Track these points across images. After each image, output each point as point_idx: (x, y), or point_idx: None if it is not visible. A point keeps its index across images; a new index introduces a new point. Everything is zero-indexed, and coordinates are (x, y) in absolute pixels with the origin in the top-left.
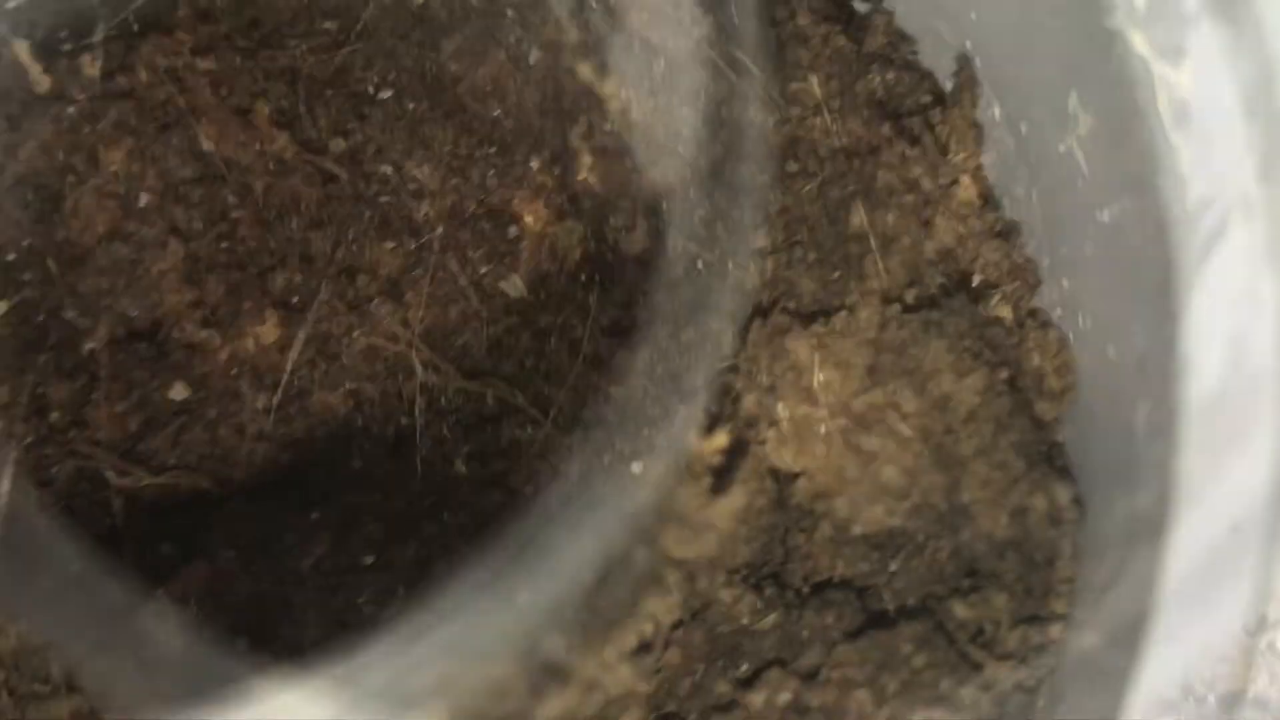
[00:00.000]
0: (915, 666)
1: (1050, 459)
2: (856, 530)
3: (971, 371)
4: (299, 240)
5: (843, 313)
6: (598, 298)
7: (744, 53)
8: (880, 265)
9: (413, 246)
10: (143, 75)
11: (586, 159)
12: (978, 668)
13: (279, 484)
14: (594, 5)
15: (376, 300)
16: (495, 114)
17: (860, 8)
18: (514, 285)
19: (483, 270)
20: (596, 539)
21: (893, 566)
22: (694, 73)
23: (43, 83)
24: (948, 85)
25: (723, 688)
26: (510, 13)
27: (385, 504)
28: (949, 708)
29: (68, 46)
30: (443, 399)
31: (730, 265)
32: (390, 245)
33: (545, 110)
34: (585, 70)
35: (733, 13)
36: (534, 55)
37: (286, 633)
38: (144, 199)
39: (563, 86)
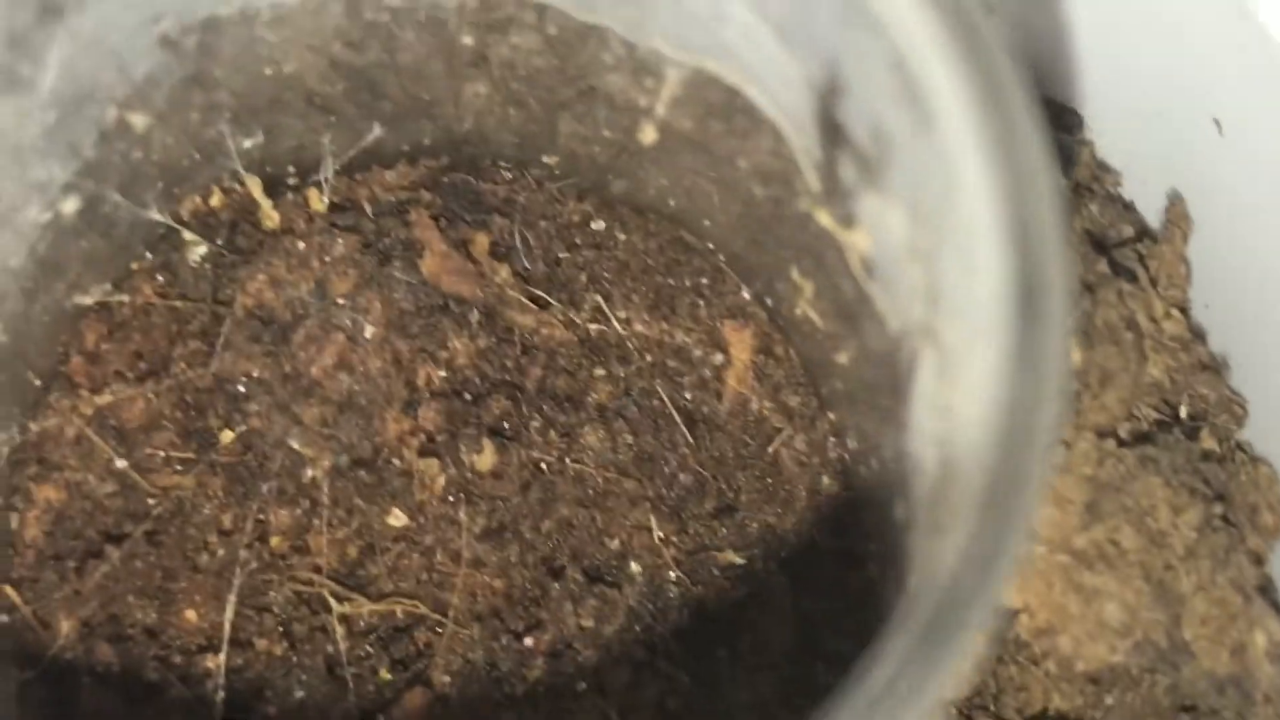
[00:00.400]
0: None
1: (1265, 594)
2: (1079, 667)
3: (1188, 507)
4: (512, 368)
5: (1060, 449)
6: (806, 426)
7: (1031, 214)
8: (1097, 401)
9: (621, 374)
10: (367, 209)
11: (808, 294)
12: None
13: (494, 610)
14: (847, 157)
15: (588, 428)
16: (709, 245)
17: (1061, 138)
18: (718, 411)
19: (686, 396)
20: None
21: (1109, 700)
22: (960, 236)
23: (272, 218)
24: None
25: None
26: (743, 159)
27: (597, 630)
28: None
29: (294, 182)
30: (653, 522)
31: None
32: (600, 373)
33: (766, 245)
34: (824, 217)
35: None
36: (761, 194)
37: None
38: (369, 331)
39: (792, 227)
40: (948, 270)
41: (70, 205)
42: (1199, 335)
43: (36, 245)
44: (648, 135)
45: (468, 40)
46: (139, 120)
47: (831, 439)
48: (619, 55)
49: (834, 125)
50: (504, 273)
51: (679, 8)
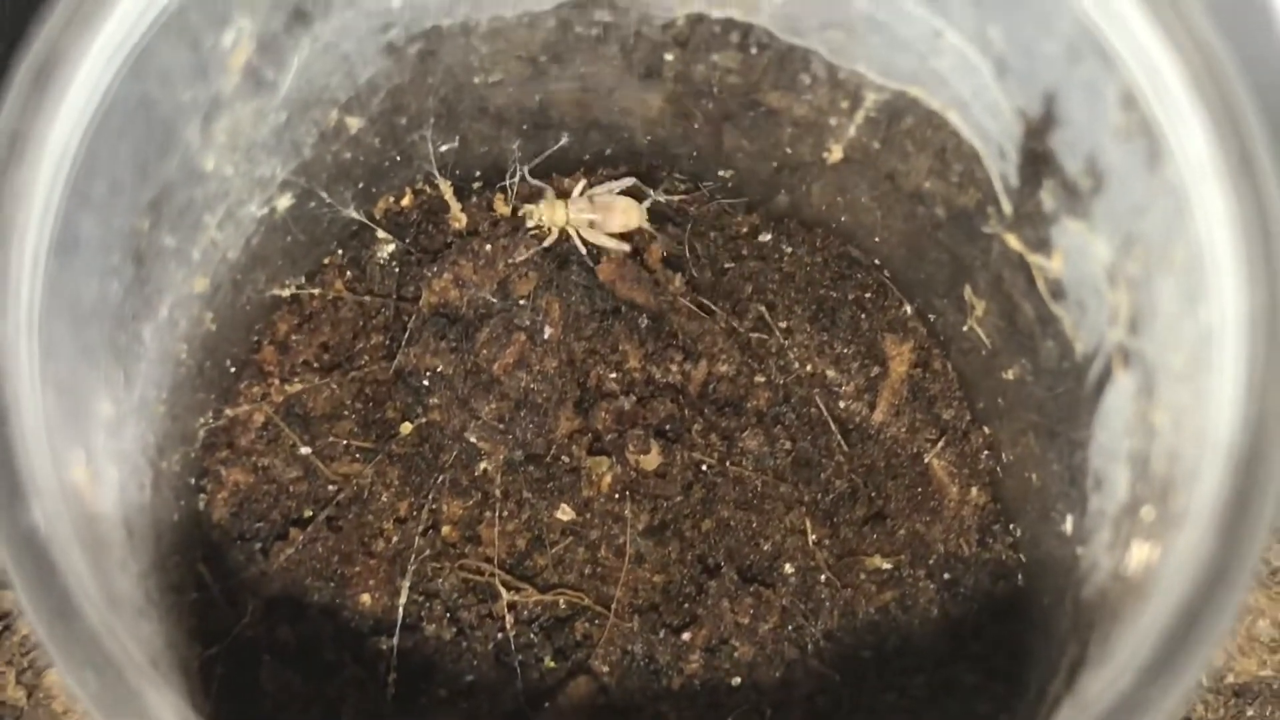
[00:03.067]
0: None
1: None
2: (1228, 680)
3: None
4: (676, 373)
5: None
6: (958, 439)
7: (1273, 248)
8: None
9: (781, 381)
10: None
11: (979, 312)
12: None
13: (653, 605)
14: (1051, 185)
15: (747, 432)
16: (875, 261)
17: None
18: (871, 421)
19: (842, 405)
20: None
21: (1250, 713)
22: (1184, 266)
23: (460, 219)
24: None
25: None
26: (929, 181)
27: (752, 627)
28: None
29: (478, 186)
30: (807, 525)
31: None
32: (760, 380)
33: (938, 263)
34: (1013, 240)
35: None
36: (943, 215)
37: None
38: (547, 332)
39: (972, 248)
40: (1163, 298)
41: (284, 201)
42: None
43: (251, 239)
44: (834, 154)
45: (669, 56)
46: (354, 122)
47: (985, 452)
48: (818, 77)
49: (1041, 154)
50: (677, 281)
51: (890, 36)
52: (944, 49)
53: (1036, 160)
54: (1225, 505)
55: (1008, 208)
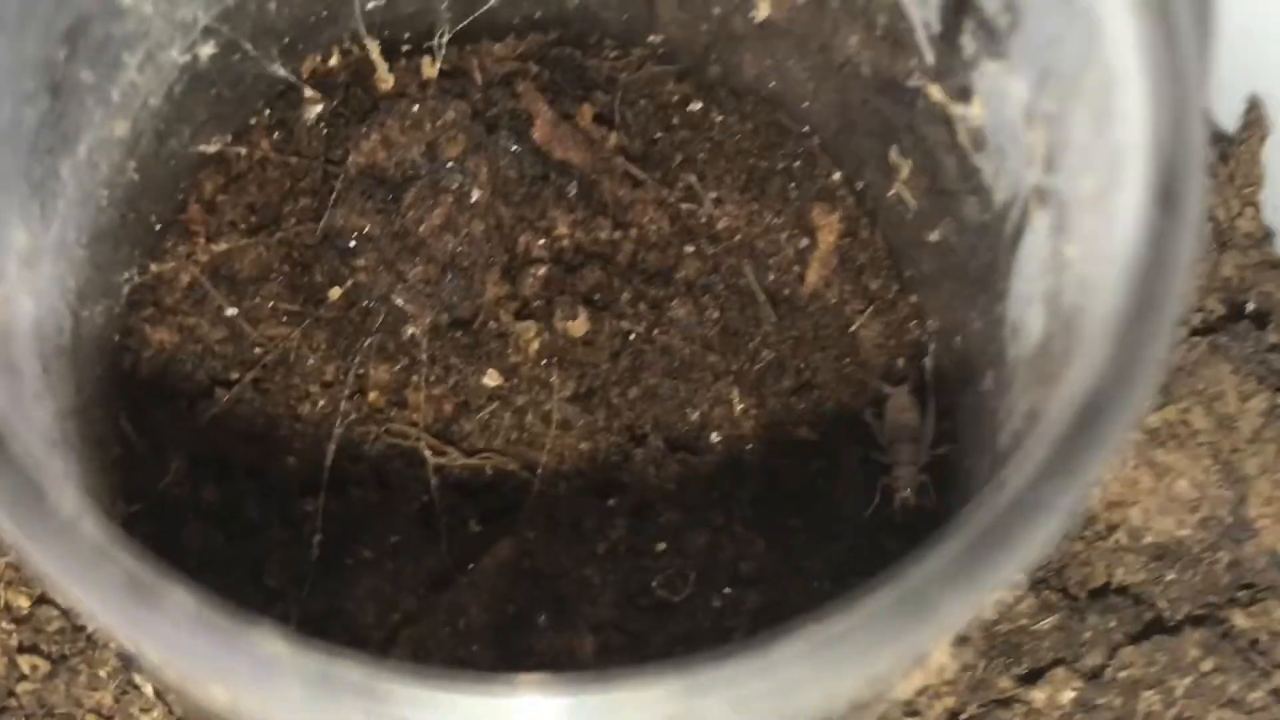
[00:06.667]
0: (1203, 670)
1: None
2: (1147, 539)
3: (1255, 394)
4: (605, 242)
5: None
6: (885, 309)
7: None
8: None
9: (710, 251)
10: (476, 79)
11: (905, 173)
12: (1265, 674)
13: (580, 471)
14: (971, 27)
15: (676, 302)
16: (805, 128)
17: None
18: (800, 293)
19: (772, 278)
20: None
21: (1170, 576)
22: (1095, 91)
23: (387, 81)
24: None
25: (1004, 683)
26: (854, 35)
27: (679, 493)
28: (1240, 710)
29: (407, 49)
30: (734, 395)
31: None
32: (690, 250)
33: (866, 126)
34: (935, 92)
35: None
36: (868, 72)
37: (584, 609)
38: (475, 195)
39: (897, 105)
40: (1075, 128)
41: (206, 50)
42: (1269, 235)
43: (174, 87)
44: (761, 11)
45: None
46: None
47: (912, 322)
48: None
49: None
50: (613, 140)
51: None
52: None
53: (957, 2)
54: (1124, 315)
55: (930, 57)
